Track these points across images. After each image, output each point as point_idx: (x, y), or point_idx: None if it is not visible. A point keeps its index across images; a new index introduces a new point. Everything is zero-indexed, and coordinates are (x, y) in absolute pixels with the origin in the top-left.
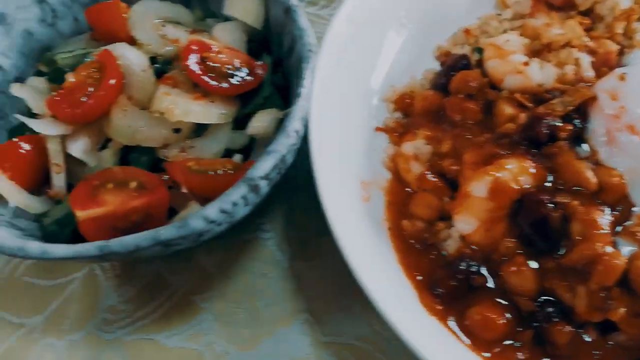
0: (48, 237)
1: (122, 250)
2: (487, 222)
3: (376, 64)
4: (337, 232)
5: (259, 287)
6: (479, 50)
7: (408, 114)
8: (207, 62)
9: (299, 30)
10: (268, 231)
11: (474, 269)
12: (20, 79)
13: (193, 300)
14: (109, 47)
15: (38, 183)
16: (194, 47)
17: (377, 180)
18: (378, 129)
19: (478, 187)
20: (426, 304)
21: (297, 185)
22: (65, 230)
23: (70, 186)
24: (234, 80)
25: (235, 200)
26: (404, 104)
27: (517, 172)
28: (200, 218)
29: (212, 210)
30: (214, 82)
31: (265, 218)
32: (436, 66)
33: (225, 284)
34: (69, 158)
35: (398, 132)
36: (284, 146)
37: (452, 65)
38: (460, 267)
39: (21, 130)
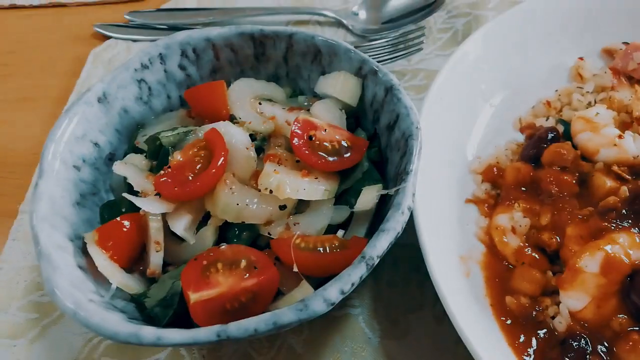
0: (149, 319)
1: (241, 335)
2: (599, 298)
3: (462, 136)
4: (453, 313)
5: None
6: (563, 123)
7: (496, 185)
8: (314, 140)
9: (405, 108)
10: (356, 307)
11: (587, 347)
12: (112, 155)
13: None
14: (215, 125)
15: (132, 261)
16: (301, 126)
17: (473, 254)
18: (468, 200)
19: (590, 262)
20: None
21: (382, 259)
22: (169, 312)
23: (164, 264)
24: (339, 157)
25: (354, 281)
26: (491, 174)
27: (629, 247)
28: (320, 300)
29: (333, 291)
30: (321, 160)
31: (354, 292)
32: (517, 137)
33: None
34: (165, 237)
35: (488, 204)
36: (399, 223)
37: (542, 137)
38: (574, 346)
39: (114, 207)
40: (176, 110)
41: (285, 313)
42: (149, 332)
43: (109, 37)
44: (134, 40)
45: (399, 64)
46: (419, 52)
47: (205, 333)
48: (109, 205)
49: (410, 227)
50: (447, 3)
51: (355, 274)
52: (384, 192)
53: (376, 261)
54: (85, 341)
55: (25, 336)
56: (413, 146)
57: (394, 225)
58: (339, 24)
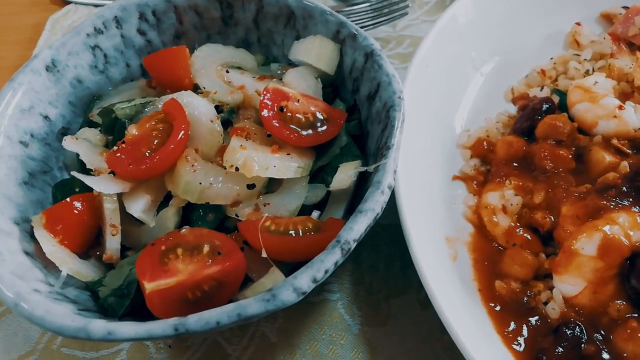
0: (104, 310)
1: (201, 329)
2: (595, 283)
3: (449, 108)
4: (437, 299)
5: (330, 357)
6: (559, 93)
7: (487, 161)
8: (285, 112)
9: (387, 76)
10: (335, 292)
11: (582, 336)
12: (66, 129)
13: None
14: (175, 95)
15: (86, 246)
16: (270, 96)
17: (460, 235)
18: (455, 177)
19: (587, 244)
20: None
21: (362, 241)
22: (125, 302)
23: (123, 249)
24: (313, 130)
25: (328, 268)
26: (481, 149)
27: (629, 227)
28: (290, 289)
29: (304, 279)
30: (293, 134)
31: (332, 276)
32: (509, 108)
33: (291, 354)
34: (123, 218)
35: (477, 181)
36: (378, 204)
37: (537, 109)
38: (568, 334)
39: (67, 186)
40: (137, 80)
41: (250, 304)
42: (99, 327)
43: (69, 3)
44: (96, 6)
45: (382, 31)
46: (404, 18)
47: (161, 326)
48: (62, 185)
49: (393, 206)
50: None
51: (328, 260)
52: (363, 168)
53: (353, 246)
54: (42, 330)
55: None
56: (395, 118)
57: (372, 206)
58: None
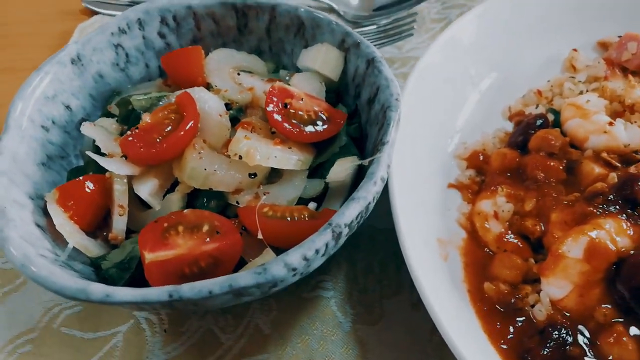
0: (105, 281)
1: (194, 296)
2: (582, 286)
3: (447, 121)
4: (426, 295)
5: (320, 352)
6: (554, 112)
7: (481, 172)
8: (289, 109)
9: (386, 80)
10: (329, 289)
11: (568, 338)
12: (85, 120)
13: None
14: (188, 90)
15: (95, 226)
16: (276, 93)
17: (453, 239)
18: (450, 185)
19: (573, 248)
20: None
21: (358, 242)
22: (125, 275)
23: (128, 232)
24: (314, 128)
25: (318, 248)
26: (476, 161)
27: (615, 233)
28: (281, 265)
29: (295, 256)
30: (295, 129)
31: (327, 275)
32: (506, 126)
33: (282, 347)
34: (131, 201)
35: (472, 190)
36: (370, 193)
37: (531, 123)
38: (553, 335)
39: (81, 171)
40: (155, 80)
41: (242, 276)
42: (98, 289)
43: (97, 13)
44: None
45: (389, 52)
46: (410, 41)
47: (156, 292)
48: (77, 170)
49: (389, 210)
50: None
51: (319, 240)
52: (359, 162)
53: (344, 230)
54: (45, 310)
55: None
56: (391, 117)
57: (364, 195)
58: (330, 9)
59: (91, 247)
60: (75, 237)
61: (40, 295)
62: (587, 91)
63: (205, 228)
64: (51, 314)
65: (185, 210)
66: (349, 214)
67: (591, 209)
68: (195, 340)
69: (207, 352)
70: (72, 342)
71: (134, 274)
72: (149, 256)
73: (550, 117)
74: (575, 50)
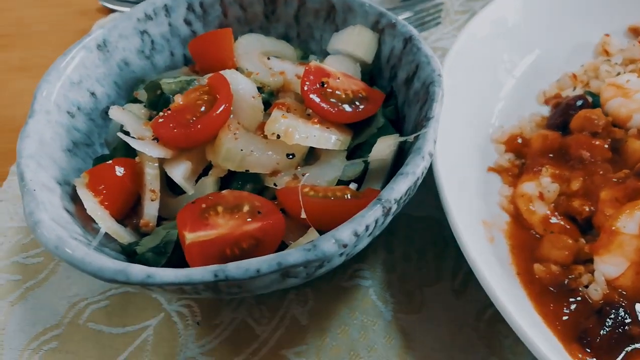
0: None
1: (241, 276)
2: (638, 263)
3: (484, 105)
4: (482, 273)
5: (361, 342)
6: (591, 94)
7: (520, 155)
8: (326, 88)
9: (426, 57)
10: (367, 278)
11: (626, 317)
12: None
13: (284, 356)
14: (221, 72)
15: (124, 213)
16: (312, 72)
17: (496, 222)
18: (490, 169)
19: (629, 223)
20: (576, 356)
21: (394, 229)
22: (162, 259)
23: (159, 220)
24: (353, 107)
25: (369, 223)
26: (515, 144)
27: None
28: (331, 240)
29: (346, 232)
30: (333, 109)
31: (364, 263)
32: (541, 110)
33: (321, 338)
34: (162, 187)
35: (512, 173)
36: (419, 168)
37: (571, 105)
38: (612, 315)
39: (108, 159)
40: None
41: (291, 253)
42: (138, 269)
43: (114, 11)
44: None
45: None
46: (435, 32)
47: (201, 272)
48: (102, 158)
49: (425, 198)
50: None
51: (369, 215)
52: (402, 139)
53: (393, 206)
54: (69, 305)
55: (6, 298)
56: (435, 92)
57: (413, 170)
58: None
59: (123, 234)
60: (107, 222)
61: (64, 290)
62: (624, 72)
63: (246, 208)
64: (76, 309)
65: (224, 191)
66: (399, 189)
67: None
68: (230, 333)
69: (243, 345)
70: (100, 338)
71: (170, 258)
72: (189, 236)
73: (589, 98)
74: (607, 35)
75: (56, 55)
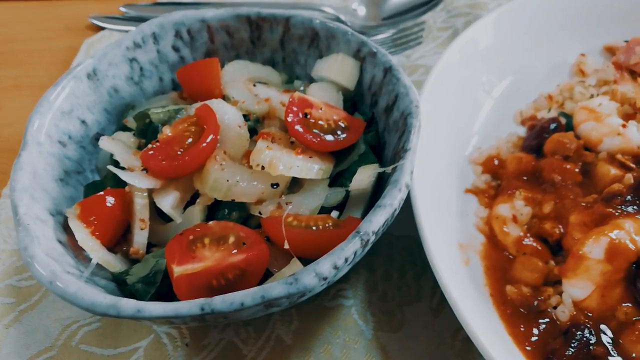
0: (130, 297)
1: (226, 309)
2: (603, 286)
3: (462, 127)
4: (453, 298)
5: None
6: (565, 116)
7: (496, 176)
8: (309, 118)
9: (404, 87)
10: (349, 298)
11: (591, 337)
12: (100, 135)
13: None
14: (207, 102)
15: (114, 241)
16: (296, 103)
17: (472, 243)
18: (467, 190)
19: (594, 248)
20: None
21: (375, 249)
22: (151, 289)
23: (148, 246)
24: (335, 137)
25: (348, 256)
26: (491, 165)
27: (635, 233)
28: (312, 274)
29: (325, 265)
30: (316, 139)
31: (346, 283)
32: (518, 130)
33: (305, 357)
34: (151, 215)
35: (488, 194)
36: (396, 200)
37: (545, 127)
38: (577, 335)
39: (98, 186)
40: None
41: (274, 287)
42: (129, 304)
43: (103, 29)
44: None
45: (398, 60)
46: (418, 49)
47: (188, 306)
48: (93, 185)
49: (407, 218)
50: (447, 2)
51: (349, 248)
52: (381, 169)
53: (372, 237)
54: (62, 327)
55: (1, 321)
56: (412, 124)
57: (390, 202)
58: (337, 20)
59: (113, 262)
60: (98, 252)
61: (57, 313)
62: (597, 95)
63: (232, 239)
64: (69, 331)
65: (210, 222)
66: (377, 221)
67: (610, 210)
68: (217, 353)
69: None
70: None
71: (159, 287)
72: (177, 269)
73: (562, 120)
74: (583, 55)
75: (48, 73)
